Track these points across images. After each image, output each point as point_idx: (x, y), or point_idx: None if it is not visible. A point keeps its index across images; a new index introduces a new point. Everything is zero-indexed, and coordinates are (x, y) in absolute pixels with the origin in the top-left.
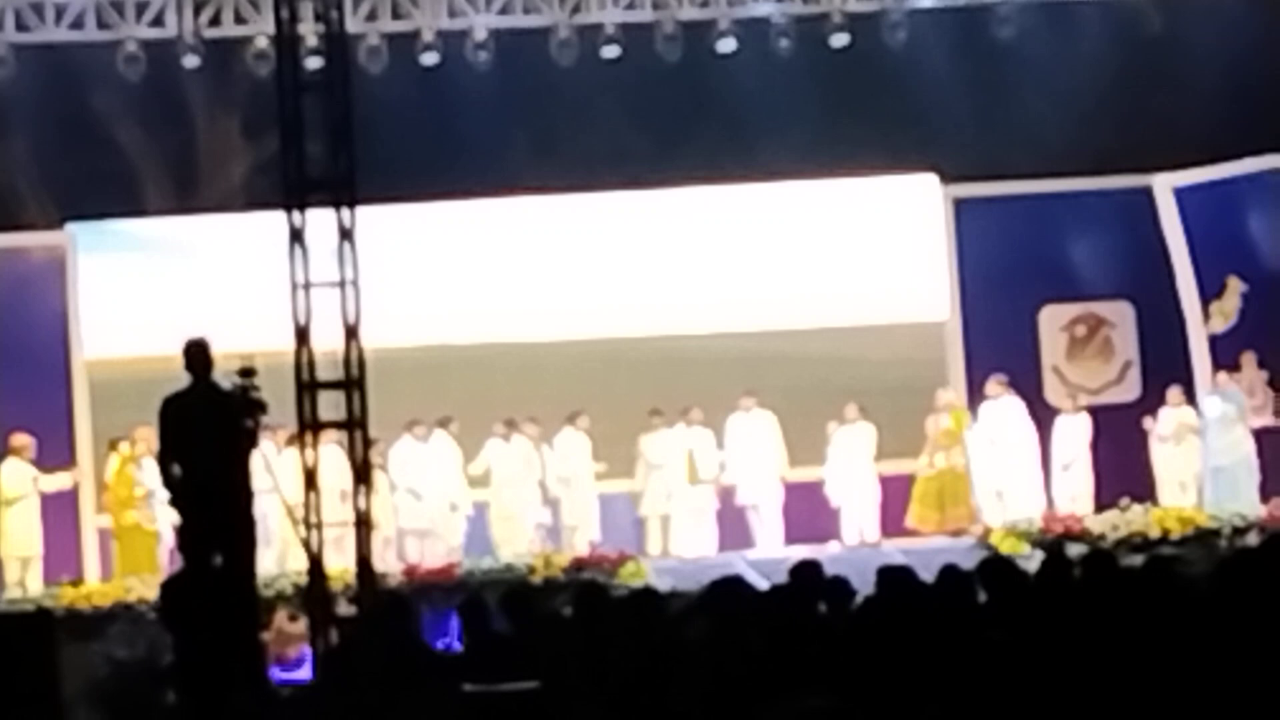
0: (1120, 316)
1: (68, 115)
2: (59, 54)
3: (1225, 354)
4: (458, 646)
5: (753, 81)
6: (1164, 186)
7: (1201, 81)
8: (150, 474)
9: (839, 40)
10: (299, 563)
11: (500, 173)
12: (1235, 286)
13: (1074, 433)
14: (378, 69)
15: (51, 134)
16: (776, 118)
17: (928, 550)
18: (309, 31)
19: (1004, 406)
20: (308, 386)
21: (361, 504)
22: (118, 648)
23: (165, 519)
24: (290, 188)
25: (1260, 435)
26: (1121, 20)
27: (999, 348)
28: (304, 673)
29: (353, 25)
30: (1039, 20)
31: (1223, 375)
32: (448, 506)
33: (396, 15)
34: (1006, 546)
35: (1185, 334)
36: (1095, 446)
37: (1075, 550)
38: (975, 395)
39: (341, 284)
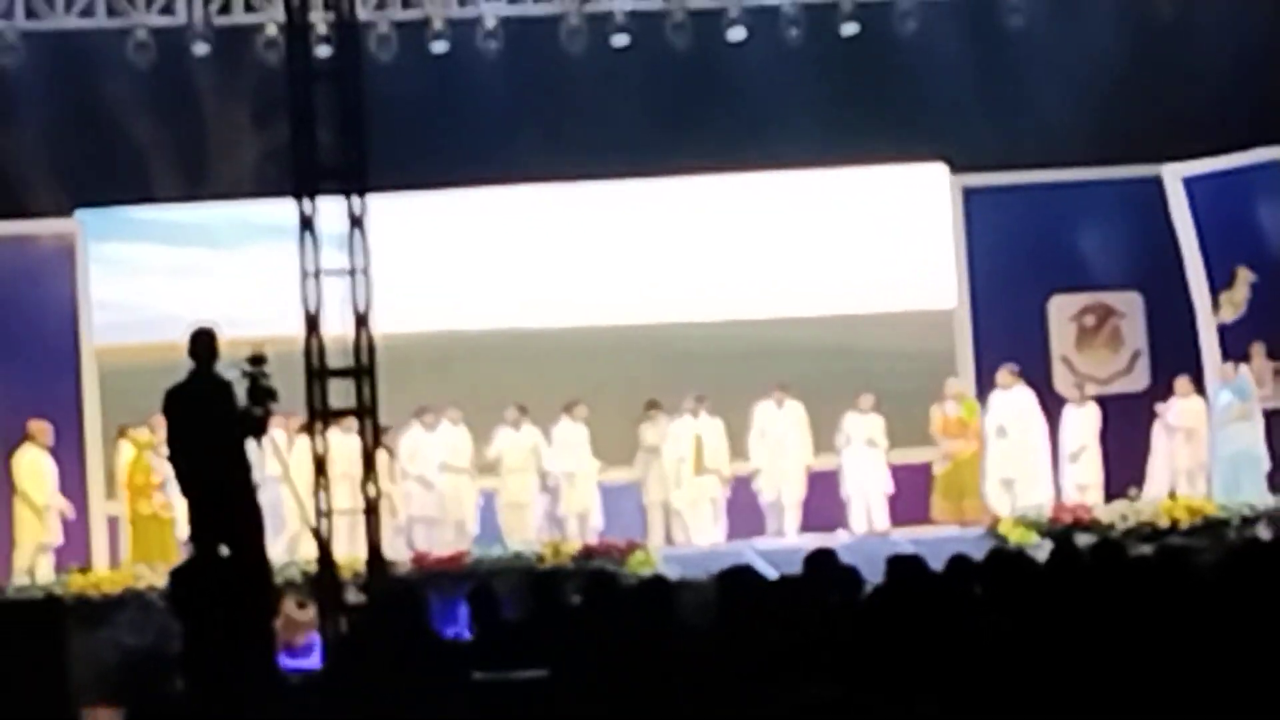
0: (1129, 306)
1: (78, 103)
2: (69, 41)
3: (1234, 344)
4: (467, 635)
5: (763, 70)
6: (1173, 176)
7: (1211, 71)
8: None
9: (849, 29)
10: (309, 551)
11: (509, 161)
12: (1245, 276)
13: (1082, 422)
14: (387, 57)
15: (61, 121)
16: (786, 106)
17: (937, 540)
18: (319, 19)
19: (1015, 396)
20: (318, 374)
21: (371, 492)
22: (126, 635)
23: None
24: (300, 175)
25: (1270, 419)
26: (1131, 9)
27: (1008, 337)
28: (313, 660)
29: (363, 13)
30: (1049, 9)
31: (1231, 365)
32: (456, 494)
33: (406, 4)
34: (1015, 536)
35: (1194, 324)
36: (1104, 436)
37: (1084, 540)
38: (984, 384)
39: (352, 272)
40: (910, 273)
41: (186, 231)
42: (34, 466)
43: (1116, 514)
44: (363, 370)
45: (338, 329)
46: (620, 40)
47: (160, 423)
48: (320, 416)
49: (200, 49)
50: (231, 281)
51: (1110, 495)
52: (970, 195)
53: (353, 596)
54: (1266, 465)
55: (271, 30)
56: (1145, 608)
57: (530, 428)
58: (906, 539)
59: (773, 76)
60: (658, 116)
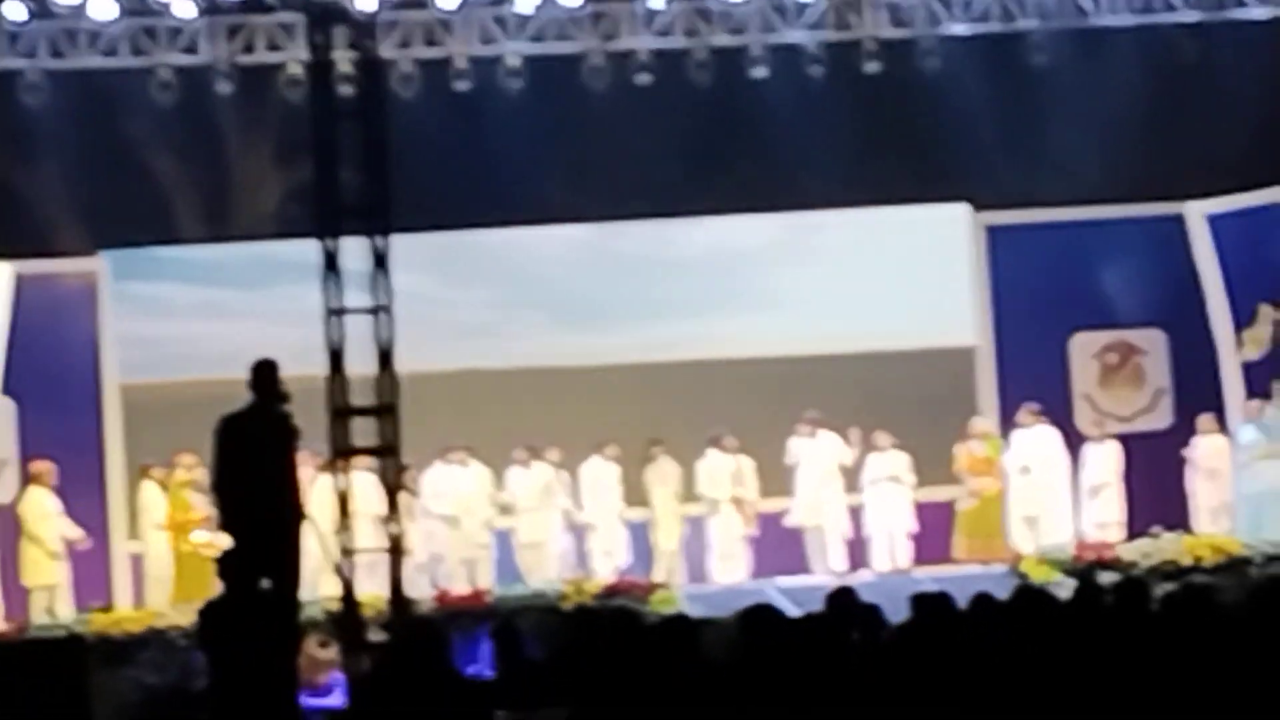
0: (1152, 344)
1: (101, 142)
2: (92, 80)
3: (1258, 382)
4: (489, 673)
5: (785, 109)
6: (1196, 214)
7: (1234, 109)
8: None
9: (871, 67)
10: (330, 589)
11: (532, 199)
12: (1268, 314)
13: (1104, 460)
14: (410, 95)
15: (84, 160)
16: (809, 145)
17: (959, 578)
18: (342, 58)
19: (1037, 435)
20: (341, 412)
21: (394, 530)
22: (149, 674)
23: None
24: (324, 214)
25: None
26: (1155, 48)
27: (1031, 375)
28: (335, 699)
29: (386, 52)
30: (1072, 48)
31: (1256, 403)
32: (479, 533)
33: (429, 42)
34: (1038, 574)
35: (1217, 362)
36: (1127, 474)
37: (1107, 578)
38: (1008, 423)
39: (375, 310)
40: (934, 311)
41: (209, 270)
42: (40, 508)
43: (1139, 552)
44: (386, 409)
45: (361, 368)
46: (643, 79)
47: (186, 460)
48: (343, 454)
49: (223, 88)
50: (254, 320)
51: (1132, 533)
52: (994, 233)
53: (375, 635)
54: None
55: (295, 69)
56: (1169, 646)
57: (543, 466)
58: (929, 577)
59: (795, 115)
60: (680, 155)
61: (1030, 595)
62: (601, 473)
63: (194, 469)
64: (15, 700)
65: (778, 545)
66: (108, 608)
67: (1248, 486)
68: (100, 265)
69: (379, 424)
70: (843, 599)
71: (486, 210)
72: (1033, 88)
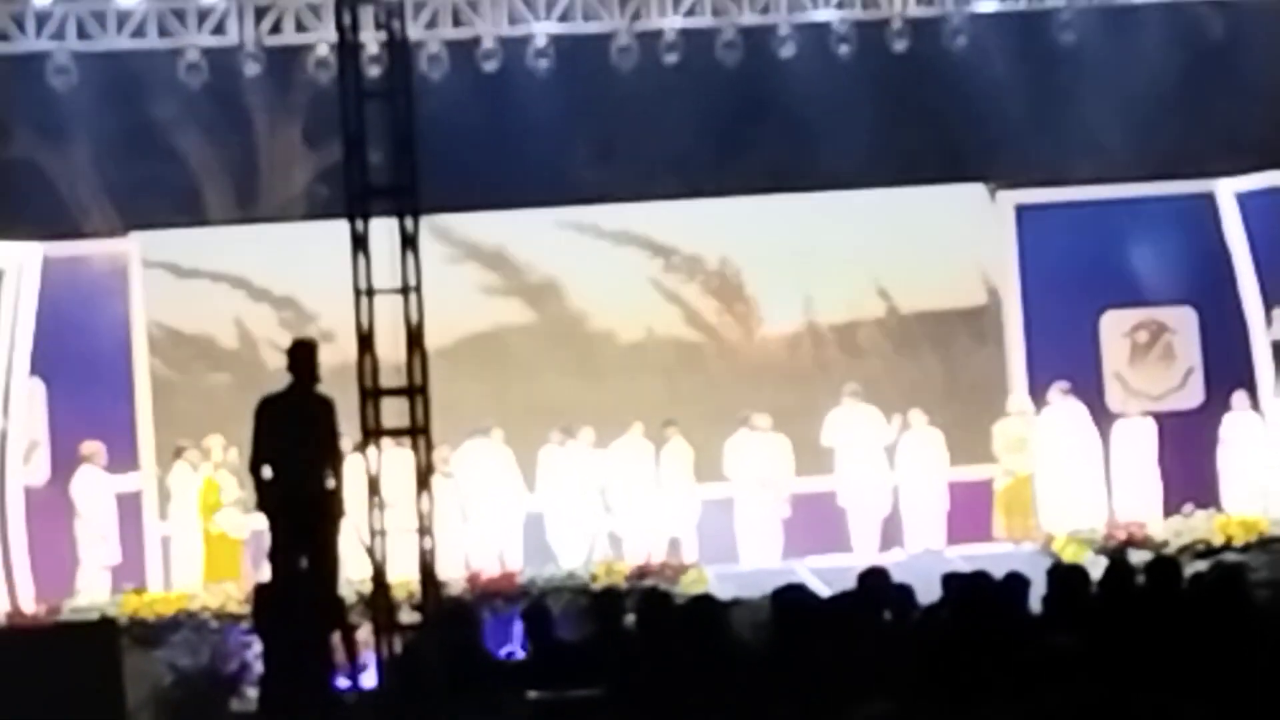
0: (1182, 322)
1: (129, 123)
2: (121, 62)
3: None
4: (521, 654)
5: (813, 87)
6: (1226, 192)
7: (1264, 86)
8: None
9: (899, 46)
10: (361, 570)
11: (560, 178)
12: None
13: (1138, 439)
14: (439, 76)
15: (113, 142)
16: (837, 123)
17: (990, 557)
18: (370, 39)
19: (1067, 413)
20: (371, 393)
21: (424, 511)
22: (181, 656)
23: (249, 526)
24: (352, 195)
25: None
26: (1183, 25)
27: (1061, 354)
28: (367, 680)
29: (414, 32)
30: (1100, 25)
31: None
32: (509, 513)
33: (457, 22)
34: (1069, 554)
35: (1248, 340)
36: (1158, 453)
37: (1138, 557)
38: (1038, 402)
39: (404, 290)
40: (962, 291)
41: (239, 251)
42: (91, 488)
43: (1170, 531)
44: (416, 389)
45: (390, 348)
46: (671, 58)
47: (214, 442)
48: (374, 435)
49: (251, 69)
50: (284, 301)
51: (1164, 512)
52: (1022, 212)
53: (406, 616)
54: None
55: (322, 50)
56: (1200, 625)
57: (576, 446)
58: (961, 556)
59: (823, 93)
60: (708, 134)
61: (1063, 574)
62: (634, 453)
63: (226, 450)
64: (48, 682)
65: (809, 525)
66: (140, 590)
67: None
68: (130, 247)
69: (410, 404)
70: (874, 579)
71: (514, 189)
72: (1061, 66)
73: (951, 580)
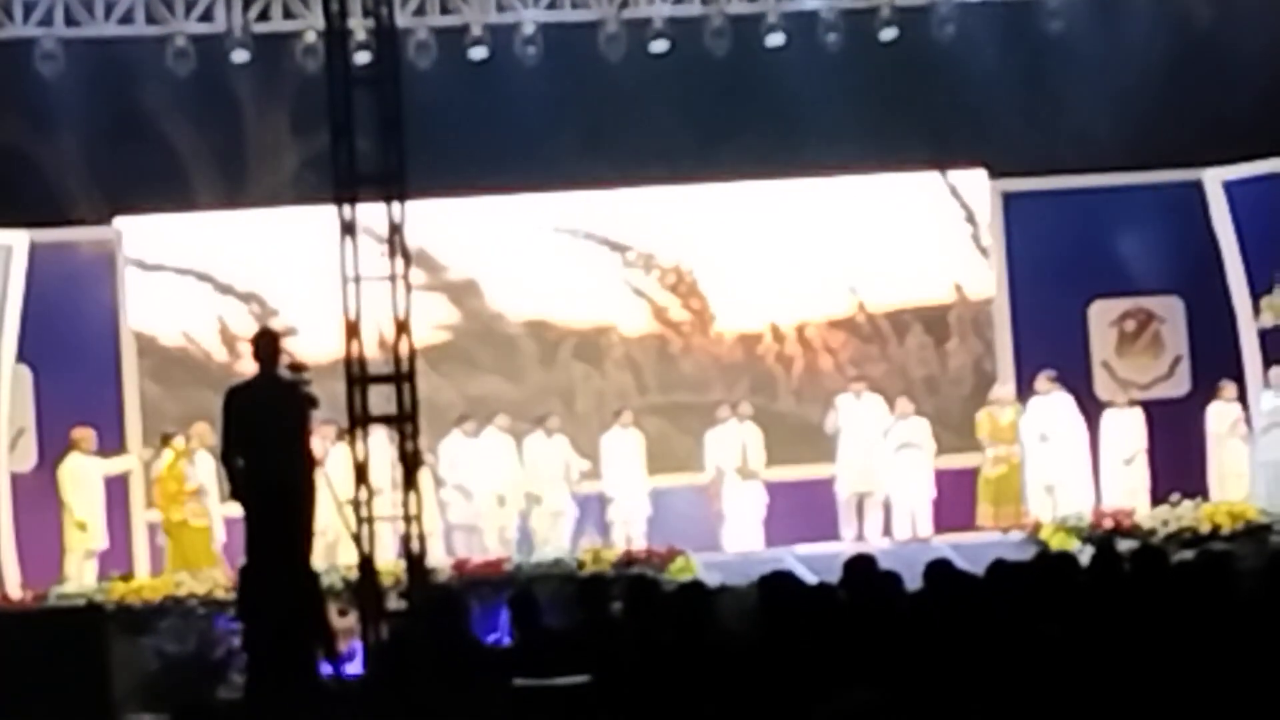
0: (1170, 311)
1: (117, 110)
2: (108, 49)
3: (1276, 349)
4: (507, 641)
5: (801, 76)
6: (1214, 180)
7: (1251, 75)
8: (202, 469)
9: (888, 34)
10: (348, 557)
11: (548, 166)
12: None
13: (1127, 428)
14: (426, 64)
15: (100, 129)
16: (825, 112)
17: (978, 545)
18: (358, 26)
19: (1054, 402)
20: (358, 381)
21: (411, 499)
22: (168, 642)
23: (217, 513)
24: (340, 182)
25: None
26: (1171, 13)
27: (1048, 342)
28: (354, 667)
29: (401, 20)
30: (1088, 14)
31: (1274, 371)
32: (495, 502)
33: (445, 10)
34: (1056, 541)
35: (1236, 329)
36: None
37: (1125, 545)
38: (1025, 390)
39: (392, 278)
40: (949, 279)
41: (226, 238)
42: (76, 475)
43: (1157, 519)
44: (402, 376)
45: (377, 335)
46: (659, 46)
47: (199, 430)
48: (361, 423)
49: (239, 56)
50: (270, 288)
51: (1152, 500)
52: (1010, 200)
53: (394, 603)
54: None
55: (310, 37)
56: (1186, 613)
57: (560, 436)
58: (948, 544)
59: (811, 82)
60: (696, 122)
61: (1048, 562)
62: (622, 441)
63: (194, 438)
64: (35, 668)
65: (794, 513)
66: (128, 576)
67: (1265, 453)
68: (116, 234)
69: (396, 392)
70: (860, 566)
71: (501, 177)
72: (1049, 54)
73: (935, 568)
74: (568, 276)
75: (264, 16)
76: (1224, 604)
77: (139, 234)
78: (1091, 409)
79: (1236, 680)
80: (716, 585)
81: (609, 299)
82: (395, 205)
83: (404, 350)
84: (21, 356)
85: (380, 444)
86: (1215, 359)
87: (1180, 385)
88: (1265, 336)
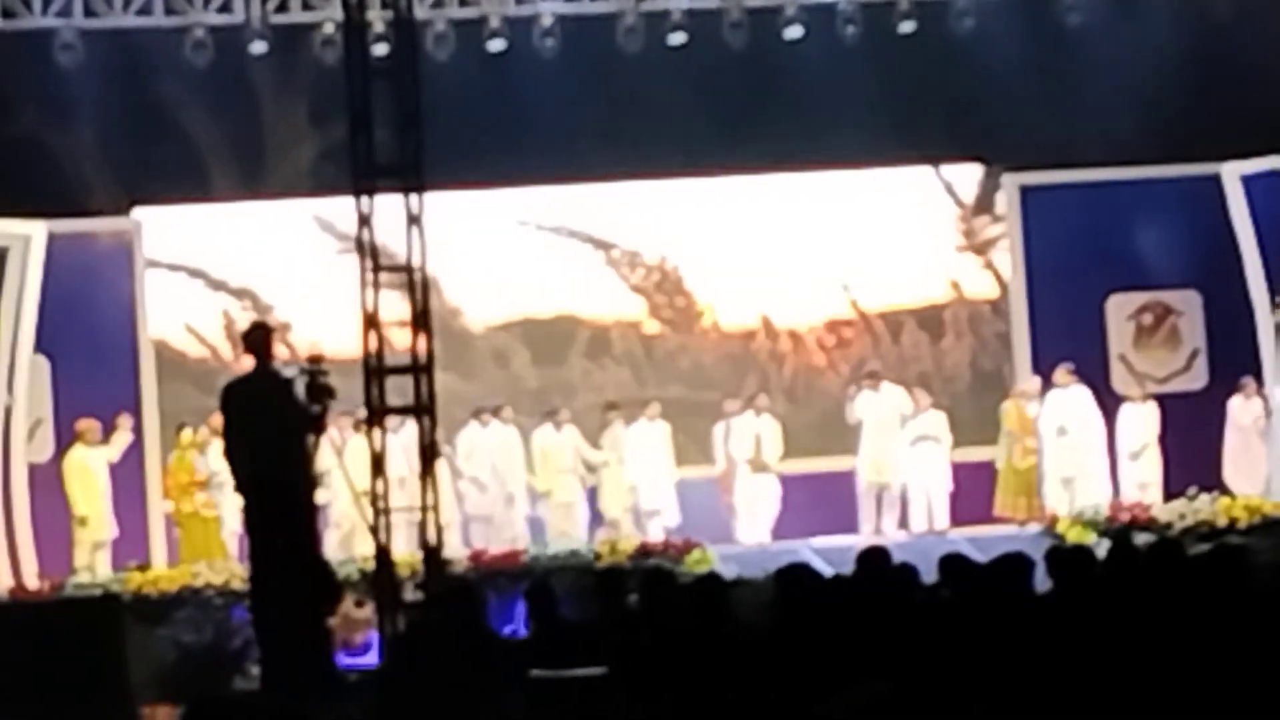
0: (1188, 305)
1: (135, 101)
2: (127, 40)
3: None
4: (523, 632)
5: (819, 68)
6: (1232, 174)
7: (1269, 69)
8: (214, 459)
9: (906, 27)
10: (365, 548)
11: (565, 158)
12: None
13: (1142, 421)
14: (445, 55)
15: (119, 120)
16: (843, 104)
17: (995, 538)
18: (377, 18)
19: (1072, 395)
20: (376, 372)
21: (429, 490)
22: (184, 633)
23: (229, 504)
24: (358, 174)
25: None
26: (1189, 7)
27: (1066, 336)
28: (370, 658)
29: (420, 12)
30: (1107, 7)
31: None
32: (506, 495)
33: (464, 2)
34: (1073, 535)
35: (1254, 323)
36: (1162, 435)
37: (1142, 539)
38: (1043, 384)
39: (409, 270)
40: (967, 271)
41: (244, 229)
42: (78, 467)
43: (1174, 513)
44: (420, 368)
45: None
46: (677, 38)
47: (214, 421)
48: (378, 414)
49: (258, 47)
50: (289, 280)
51: (1169, 494)
52: (1027, 194)
53: (410, 594)
54: None
55: (329, 28)
56: (1203, 606)
57: (570, 427)
58: (964, 538)
59: (830, 75)
60: (714, 114)
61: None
62: (648, 433)
63: (206, 428)
64: (51, 658)
65: (806, 506)
66: (144, 566)
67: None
68: (135, 224)
69: (414, 383)
70: (875, 558)
71: (519, 169)
72: (1068, 47)
73: (950, 562)
74: (565, 273)
75: (282, 8)
76: (1240, 597)
77: (156, 228)
78: (1109, 402)
79: (1252, 673)
80: (733, 577)
81: (596, 293)
82: (413, 197)
83: (421, 344)
84: (39, 347)
85: (397, 436)
86: (1233, 353)
87: (1197, 379)
88: None
